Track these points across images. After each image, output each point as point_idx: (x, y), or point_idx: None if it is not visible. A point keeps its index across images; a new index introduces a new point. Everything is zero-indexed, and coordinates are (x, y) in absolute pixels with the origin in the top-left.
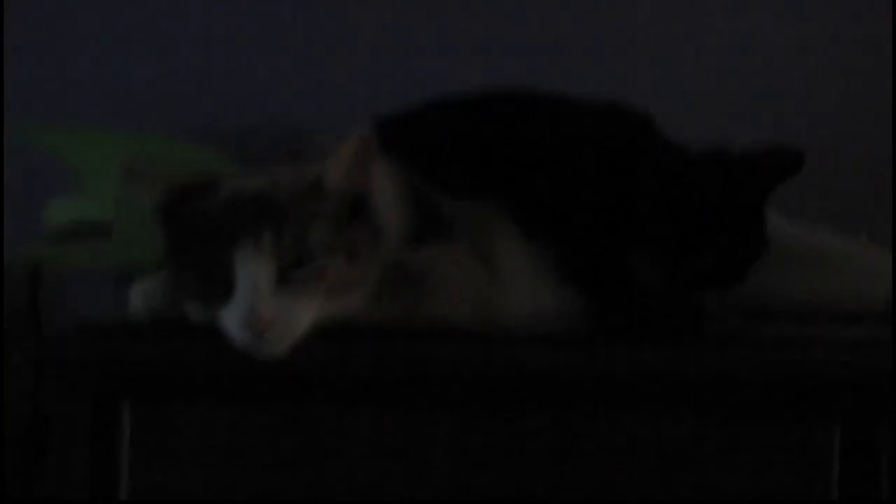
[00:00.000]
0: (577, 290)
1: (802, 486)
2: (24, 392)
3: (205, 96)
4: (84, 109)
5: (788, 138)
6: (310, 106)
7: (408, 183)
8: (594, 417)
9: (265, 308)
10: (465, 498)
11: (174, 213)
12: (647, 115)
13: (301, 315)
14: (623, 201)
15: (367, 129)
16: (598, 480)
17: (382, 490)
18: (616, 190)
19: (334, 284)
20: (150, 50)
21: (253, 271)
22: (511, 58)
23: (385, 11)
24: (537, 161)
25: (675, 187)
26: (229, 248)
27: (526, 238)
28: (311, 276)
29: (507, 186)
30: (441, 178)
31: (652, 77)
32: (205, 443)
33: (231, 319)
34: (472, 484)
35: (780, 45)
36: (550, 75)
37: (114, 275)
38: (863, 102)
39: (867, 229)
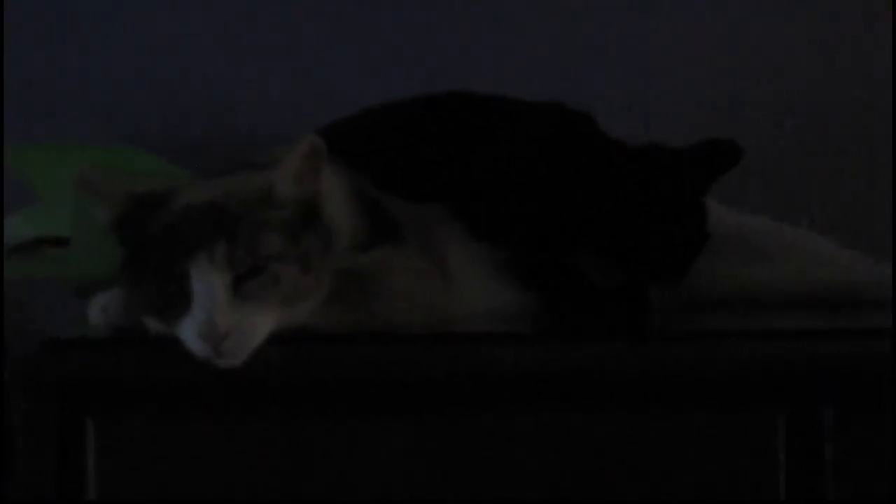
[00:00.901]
0: (525, 289)
1: (749, 474)
2: None
3: (157, 105)
4: (41, 120)
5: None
6: (261, 113)
7: (357, 188)
8: (541, 413)
9: (222, 319)
10: (423, 498)
11: (129, 225)
12: (588, 115)
13: (258, 324)
14: (567, 199)
15: (315, 134)
16: (547, 474)
17: (347, 495)
18: (559, 188)
19: (289, 292)
20: (102, 57)
21: (208, 283)
22: (455, 63)
23: (333, 20)
24: (481, 162)
25: (615, 183)
26: (184, 260)
27: (474, 239)
28: (266, 285)
29: (452, 188)
30: (388, 182)
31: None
32: (169, 455)
33: (189, 332)
34: (431, 484)
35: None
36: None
37: (72, 288)
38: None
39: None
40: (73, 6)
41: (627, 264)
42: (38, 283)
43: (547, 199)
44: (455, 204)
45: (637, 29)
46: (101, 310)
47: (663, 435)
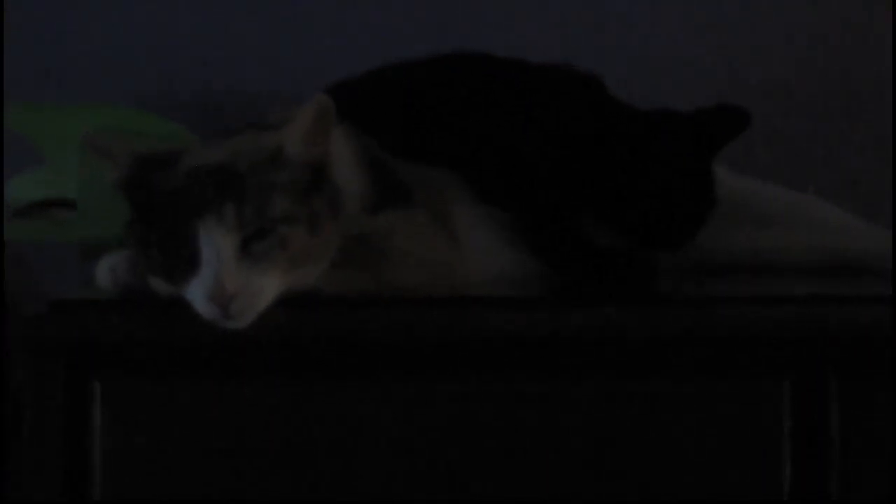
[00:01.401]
0: (532, 252)
1: (754, 441)
2: None
3: (164, 66)
4: (42, 83)
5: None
6: (270, 74)
7: (365, 150)
8: (548, 377)
9: (230, 281)
10: (429, 463)
11: (136, 187)
12: (597, 77)
13: (265, 286)
14: (574, 162)
15: (324, 94)
16: (552, 439)
17: (357, 462)
18: (567, 151)
19: (297, 255)
20: (107, 19)
21: (216, 245)
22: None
23: None
24: (489, 124)
25: (623, 147)
26: (192, 221)
27: (481, 202)
28: (274, 246)
29: (460, 150)
30: (397, 143)
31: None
32: (176, 418)
33: (196, 293)
34: (437, 448)
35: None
36: (507, 41)
37: (79, 250)
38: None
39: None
40: None
41: (634, 229)
42: (44, 244)
43: (554, 162)
44: (463, 167)
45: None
46: (108, 271)
47: (667, 400)
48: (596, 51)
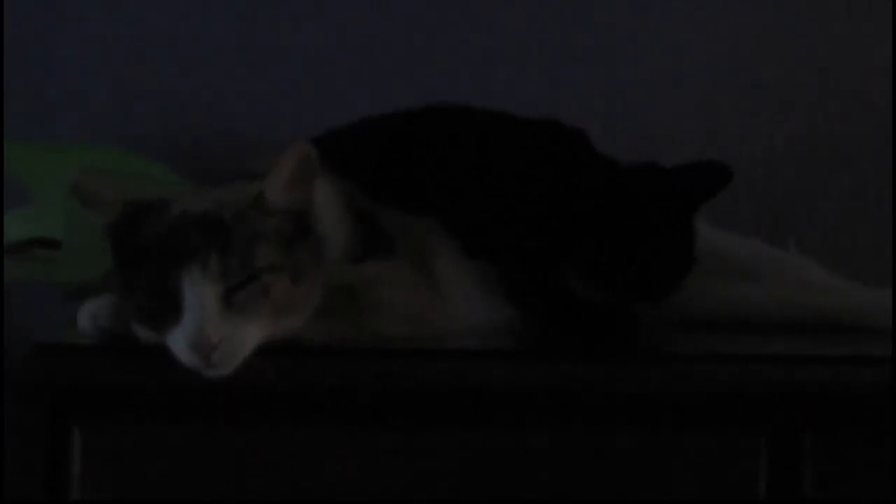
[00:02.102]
0: (514, 305)
1: (729, 497)
2: None
3: (155, 108)
4: (31, 122)
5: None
6: (261, 122)
7: (349, 200)
8: (525, 430)
9: (213, 330)
10: None
11: (123, 233)
12: (581, 131)
13: (247, 335)
14: (557, 216)
15: (306, 142)
16: (528, 491)
17: None
18: (550, 205)
19: (280, 304)
20: (104, 62)
21: (200, 294)
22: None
23: (332, 25)
24: (473, 177)
25: (605, 202)
26: (176, 270)
27: (464, 254)
28: (258, 295)
29: (444, 202)
30: (381, 194)
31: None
32: (155, 464)
33: (179, 342)
34: (413, 498)
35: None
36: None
37: (63, 292)
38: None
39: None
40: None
41: (615, 282)
42: (28, 284)
43: (537, 215)
44: (446, 218)
45: (628, 44)
46: (90, 316)
47: (645, 455)
48: (580, 105)
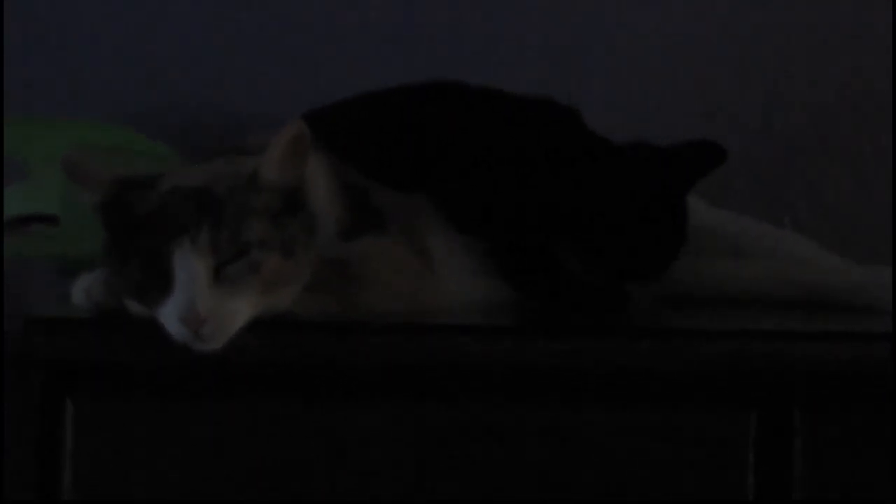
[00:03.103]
0: (506, 281)
1: (719, 473)
2: None
3: (152, 86)
4: (37, 100)
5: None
6: (253, 99)
7: (341, 176)
8: (515, 407)
9: (203, 304)
10: (394, 489)
11: (114, 208)
12: (574, 110)
13: (238, 310)
14: (550, 193)
15: (300, 120)
16: (520, 468)
17: (322, 483)
18: (543, 181)
19: (270, 279)
20: (100, 39)
21: (190, 268)
22: (446, 50)
23: (332, 5)
24: (465, 153)
25: (598, 179)
26: (167, 244)
27: (456, 230)
28: (248, 270)
29: (436, 178)
30: (373, 170)
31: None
32: (147, 438)
33: (169, 315)
34: (402, 474)
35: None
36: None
37: (57, 266)
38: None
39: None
40: None
41: (607, 260)
42: (23, 260)
43: (530, 192)
44: (439, 194)
45: (626, 26)
46: (83, 291)
47: (635, 431)
48: (574, 82)
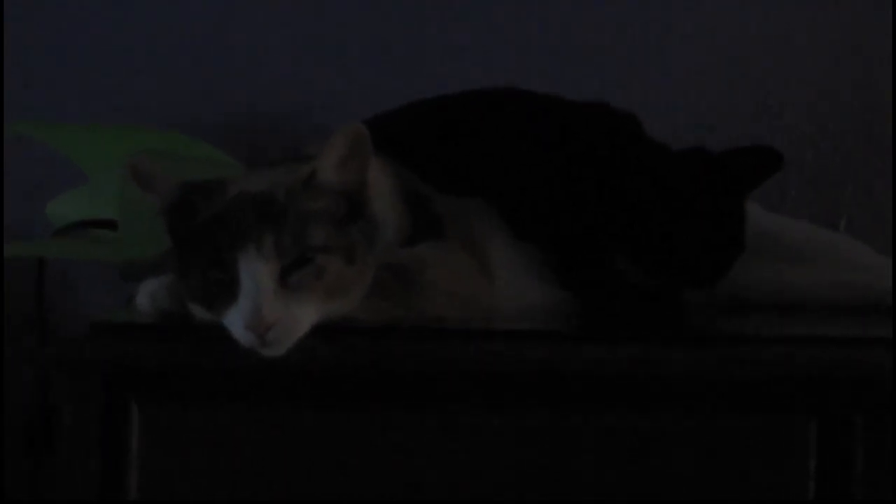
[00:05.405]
0: (563, 287)
1: (779, 479)
2: (26, 390)
3: (209, 93)
4: (86, 106)
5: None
6: (314, 105)
7: (402, 182)
8: (578, 412)
9: (268, 310)
10: (456, 490)
11: (180, 214)
12: (633, 116)
13: (302, 315)
14: (608, 200)
15: (358, 123)
16: (583, 474)
17: (388, 488)
18: (601, 188)
19: (333, 284)
20: (152, 45)
21: (256, 273)
22: (503, 59)
23: (386, 14)
24: (524, 160)
25: (656, 186)
26: (232, 250)
27: (515, 237)
28: (312, 276)
29: (495, 185)
30: (433, 177)
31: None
32: (212, 442)
33: (235, 321)
34: (464, 477)
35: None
36: (541, 75)
37: (119, 270)
38: (863, 101)
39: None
40: None
41: (664, 267)
42: (84, 264)
43: (588, 199)
44: (497, 201)
45: (676, 29)
46: (148, 296)
47: (695, 437)
48: (629, 89)
